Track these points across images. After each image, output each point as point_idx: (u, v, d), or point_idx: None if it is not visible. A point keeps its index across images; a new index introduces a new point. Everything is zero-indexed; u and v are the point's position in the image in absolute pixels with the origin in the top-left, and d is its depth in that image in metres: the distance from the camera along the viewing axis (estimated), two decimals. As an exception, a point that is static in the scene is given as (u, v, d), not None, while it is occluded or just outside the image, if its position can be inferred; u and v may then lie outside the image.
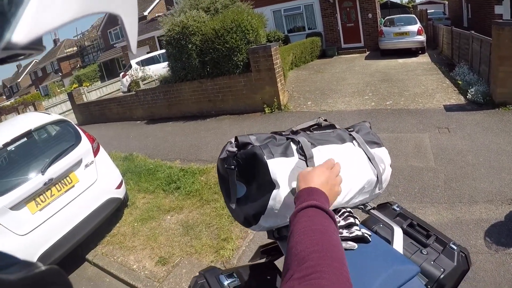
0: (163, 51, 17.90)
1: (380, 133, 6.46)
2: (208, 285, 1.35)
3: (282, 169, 1.32)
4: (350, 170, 1.51)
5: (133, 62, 17.41)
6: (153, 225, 4.72)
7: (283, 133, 1.52)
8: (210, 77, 9.55)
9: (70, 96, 13.80)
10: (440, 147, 5.80)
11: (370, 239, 1.48)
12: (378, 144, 1.70)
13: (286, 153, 1.36)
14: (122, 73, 17.90)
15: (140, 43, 26.30)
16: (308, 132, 1.58)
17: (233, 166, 1.38)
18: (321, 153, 1.45)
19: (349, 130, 1.69)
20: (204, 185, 5.53)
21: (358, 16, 18.24)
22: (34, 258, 3.62)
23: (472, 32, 9.96)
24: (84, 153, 4.34)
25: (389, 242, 1.59)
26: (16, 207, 3.66)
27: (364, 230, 1.49)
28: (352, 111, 8.18)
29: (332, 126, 1.68)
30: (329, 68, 14.33)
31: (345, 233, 1.45)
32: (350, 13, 18.31)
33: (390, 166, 1.74)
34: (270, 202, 1.30)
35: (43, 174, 3.84)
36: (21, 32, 0.41)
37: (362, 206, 1.73)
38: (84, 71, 37.50)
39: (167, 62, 12.72)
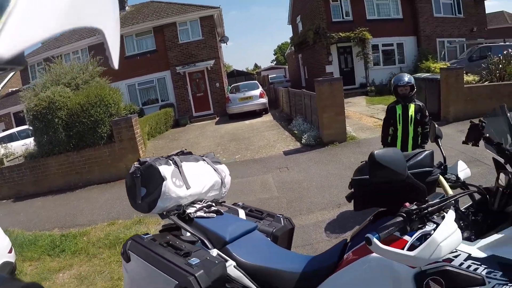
0: (21, 128, 17.33)
1: (231, 179, 7.90)
2: (134, 241, 2.37)
3: (166, 170, 2.54)
4: (203, 175, 2.85)
5: (-10, 139, 16.43)
6: (47, 284, 5.04)
7: (162, 156, 2.76)
8: (76, 150, 10.03)
9: None
10: (282, 182, 7.43)
11: (223, 212, 2.79)
12: (219, 163, 3.14)
13: (167, 163, 2.61)
14: (-21, 150, 16.62)
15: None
16: (176, 156, 2.84)
17: (138, 175, 2.54)
18: (185, 165, 2.74)
19: (201, 155, 3.09)
20: (87, 243, 6.04)
21: (207, 86, 20.25)
22: None
23: (303, 90, 12.33)
24: (-23, 221, 4.68)
25: None
26: None
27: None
28: (207, 167, 9.46)
29: (190, 153, 3.04)
30: (184, 135, 15.61)
31: (206, 209, 2.73)
32: (199, 83, 20.24)
33: (230, 176, 3.16)
34: (163, 189, 2.47)
35: None
36: (3, 46, 0.41)
37: (216, 200, 3.03)
38: None
39: (26, 140, 12.56)
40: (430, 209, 1.65)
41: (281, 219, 2.95)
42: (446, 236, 1.52)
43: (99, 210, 7.84)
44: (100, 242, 6.02)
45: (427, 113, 5.07)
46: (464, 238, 1.73)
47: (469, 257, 1.65)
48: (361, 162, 2.21)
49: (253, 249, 2.42)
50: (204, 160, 3.02)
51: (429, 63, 19.46)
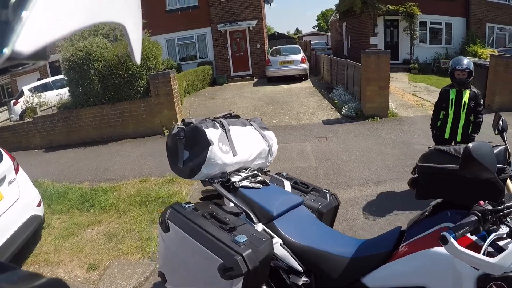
0: (56, 77, 17.33)
1: None
2: (175, 210, 2.16)
3: (213, 134, 2.30)
4: (251, 141, 2.56)
5: (25, 88, 16.36)
6: (75, 239, 4.89)
7: (208, 118, 2.51)
8: (111, 103, 9.81)
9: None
10: (320, 151, 7.11)
11: (269, 183, 2.55)
12: (267, 129, 2.83)
13: (214, 126, 2.36)
14: (14, 100, 16.67)
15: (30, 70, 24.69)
16: (223, 119, 2.59)
17: (182, 137, 2.32)
18: (233, 129, 2.48)
19: (248, 120, 2.78)
20: (118, 199, 5.87)
21: (247, 46, 19.70)
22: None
23: (348, 60, 11.85)
24: (6, 170, 4.39)
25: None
26: None
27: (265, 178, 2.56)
28: (244, 130, 9.25)
29: (238, 116, 2.76)
30: (220, 94, 15.30)
31: (252, 179, 2.48)
32: (240, 43, 19.71)
33: (277, 145, 2.90)
34: (208, 154, 2.25)
35: (-30, 193, 3.84)
36: (25, 41, 0.41)
37: (261, 169, 2.76)
38: (-36, 103, 32.45)
39: (61, 90, 12.45)
40: (506, 211, 1.52)
41: (327, 195, 2.72)
42: None
43: (131, 165, 7.68)
44: (130, 199, 5.85)
45: (482, 102, 4.75)
46: None
47: None
48: (428, 147, 2.09)
49: (300, 226, 2.27)
50: (251, 125, 2.73)
51: (476, 48, 18.66)
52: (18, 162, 4.89)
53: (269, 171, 2.85)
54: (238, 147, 2.41)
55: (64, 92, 11.55)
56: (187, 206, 2.21)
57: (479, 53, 17.52)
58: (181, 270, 2.14)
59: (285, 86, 15.67)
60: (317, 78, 17.92)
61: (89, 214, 5.58)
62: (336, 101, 10.79)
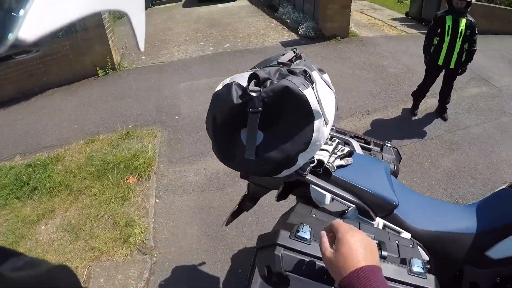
0: None
1: (230, 73, 6.63)
2: (290, 249, 1.18)
3: (313, 99, 1.27)
4: (328, 95, 1.49)
5: None
6: (28, 244, 3.64)
7: (280, 64, 1.45)
8: (25, 47, 7.92)
9: None
10: None
11: (353, 151, 1.78)
12: (323, 71, 1.67)
13: (305, 83, 1.30)
14: None
15: None
16: (295, 64, 1.51)
17: (260, 108, 1.22)
18: (318, 81, 1.43)
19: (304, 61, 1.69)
20: (66, 174, 4.55)
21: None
22: None
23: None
24: None
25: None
26: None
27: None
28: (194, 59, 8.11)
29: (300, 57, 1.62)
30: (149, 20, 13.30)
31: (339, 152, 1.70)
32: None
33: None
34: (315, 135, 1.27)
35: None
36: (28, 29, 0.40)
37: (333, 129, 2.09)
38: None
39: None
40: None
41: (391, 149, 2.11)
42: None
43: (68, 122, 6.16)
44: (82, 171, 4.57)
45: (476, 31, 4.76)
46: None
47: None
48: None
49: (414, 205, 1.75)
50: (315, 69, 1.57)
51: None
52: None
53: (333, 128, 2.12)
54: (326, 108, 1.37)
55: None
56: (304, 233, 1.21)
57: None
58: None
59: (221, 6, 14.35)
60: (253, -6, 16.43)
61: (34, 202, 4.24)
62: (288, 20, 10.05)
